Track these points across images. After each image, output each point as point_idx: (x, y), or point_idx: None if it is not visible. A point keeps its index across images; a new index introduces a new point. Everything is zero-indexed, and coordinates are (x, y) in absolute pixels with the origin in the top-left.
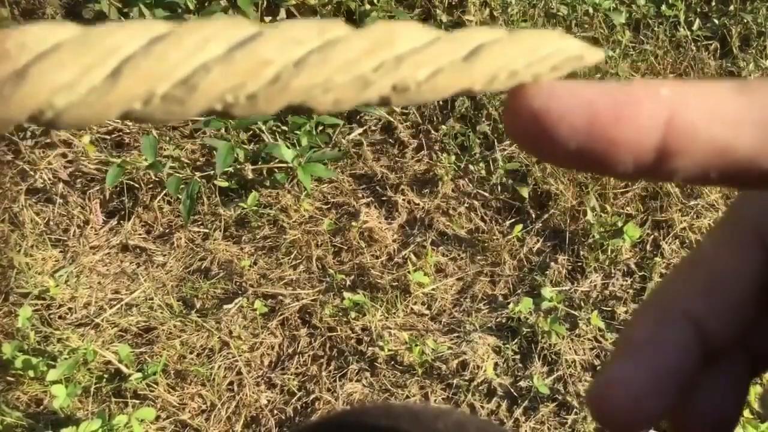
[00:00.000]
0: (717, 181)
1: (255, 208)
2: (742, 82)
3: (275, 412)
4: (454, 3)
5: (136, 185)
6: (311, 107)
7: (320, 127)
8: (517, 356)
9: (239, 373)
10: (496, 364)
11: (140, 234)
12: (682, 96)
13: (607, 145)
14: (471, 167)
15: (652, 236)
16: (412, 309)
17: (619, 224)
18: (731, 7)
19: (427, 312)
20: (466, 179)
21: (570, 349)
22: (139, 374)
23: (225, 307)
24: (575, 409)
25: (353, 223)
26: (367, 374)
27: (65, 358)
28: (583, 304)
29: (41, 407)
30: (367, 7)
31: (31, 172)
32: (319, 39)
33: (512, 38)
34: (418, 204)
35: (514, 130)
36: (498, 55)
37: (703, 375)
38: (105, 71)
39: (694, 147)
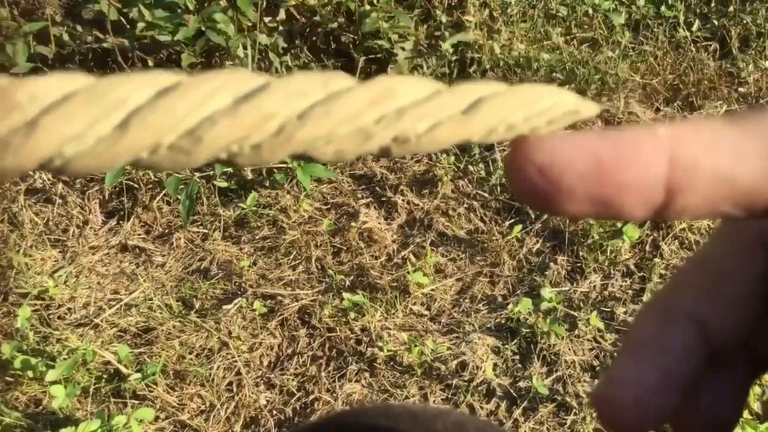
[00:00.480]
0: (728, 213)
1: (254, 208)
2: (736, 115)
3: (274, 412)
4: (453, 3)
5: (136, 185)
6: (313, 156)
7: None
8: (517, 357)
9: (238, 373)
10: (495, 364)
11: (139, 234)
12: (680, 133)
13: (616, 190)
14: (470, 168)
15: (652, 237)
16: (411, 309)
17: (619, 225)
18: (731, 8)
19: (426, 312)
20: (466, 180)
21: (569, 349)
22: (138, 374)
23: (224, 307)
24: (574, 410)
25: (352, 224)
26: (367, 375)
27: (64, 359)
28: (582, 304)
29: (40, 407)
30: (367, 7)
31: (30, 172)
32: (323, 92)
33: (511, 92)
34: (418, 204)
35: (521, 186)
36: (496, 108)
37: (705, 376)
38: (113, 123)
39: (699, 181)
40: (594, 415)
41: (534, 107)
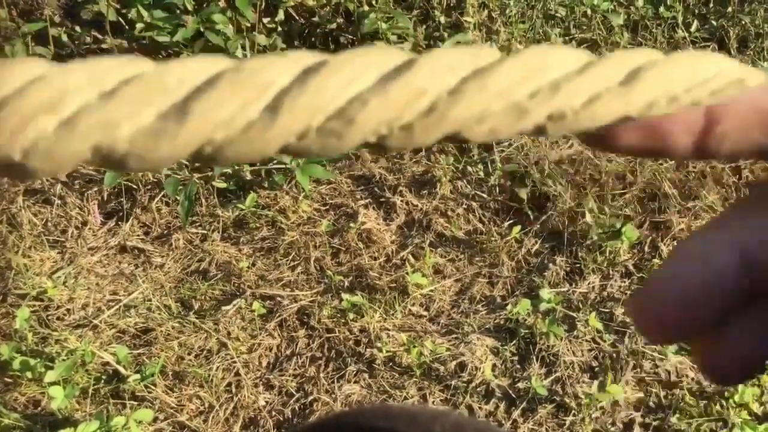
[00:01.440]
0: (760, 141)
1: (253, 209)
2: None
3: (273, 413)
4: (452, 4)
5: (134, 186)
6: (466, 137)
7: None
8: (516, 357)
9: (237, 374)
10: (494, 365)
11: (138, 235)
12: None
13: (658, 119)
14: (469, 168)
15: (651, 238)
16: (410, 310)
17: (618, 225)
18: (729, 9)
19: (425, 313)
20: (465, 180)
21: (568, 350)
22: (137, 375)
23: (223, 308)
24: (573, 411)
25: (351, 225)
26: (366, 375)
27: (63, 360)
28: (581, 305)
29: (39, 408)
30: (366, 8)
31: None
32: (472, 65)
33: (670, 60)
34: (417, 205)
35: None
36: (656, 79)
37: (741, 313)
38: (262, 105)
39: (735, 107)
40: (630, 317)
41: (696, 77)
